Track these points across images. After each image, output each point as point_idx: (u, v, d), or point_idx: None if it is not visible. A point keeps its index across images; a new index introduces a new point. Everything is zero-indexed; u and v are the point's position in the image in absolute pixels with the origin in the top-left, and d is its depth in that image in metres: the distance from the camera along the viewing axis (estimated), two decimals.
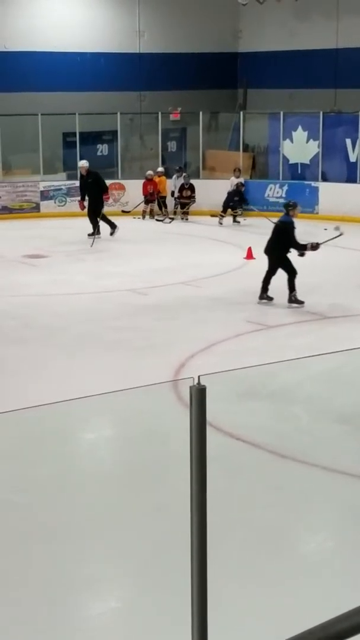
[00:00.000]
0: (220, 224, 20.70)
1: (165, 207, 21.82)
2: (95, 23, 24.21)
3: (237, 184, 21.30)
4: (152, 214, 21.68)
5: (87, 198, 18.92)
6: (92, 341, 10.91)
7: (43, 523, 6.04)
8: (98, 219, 18.56)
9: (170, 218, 21.49)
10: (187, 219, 21.36)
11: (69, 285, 14.28)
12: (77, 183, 22.21)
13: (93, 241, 18.12)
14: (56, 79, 23.10)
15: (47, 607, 5.03)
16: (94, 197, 18.68)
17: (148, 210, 21.70)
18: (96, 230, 18.50)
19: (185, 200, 21.56)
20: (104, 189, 18.87)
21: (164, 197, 21.90)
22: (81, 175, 19.32)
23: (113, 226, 18.71)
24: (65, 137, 23.22)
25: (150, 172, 21.79)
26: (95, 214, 18.64)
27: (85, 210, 19.01)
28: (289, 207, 13.07)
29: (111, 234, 18.65)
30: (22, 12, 23.20)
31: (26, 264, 16.21)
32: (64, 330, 11.47)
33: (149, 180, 21.60)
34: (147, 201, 21.68)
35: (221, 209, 21.07)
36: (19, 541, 5.80)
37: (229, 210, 21.04)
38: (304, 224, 20.30)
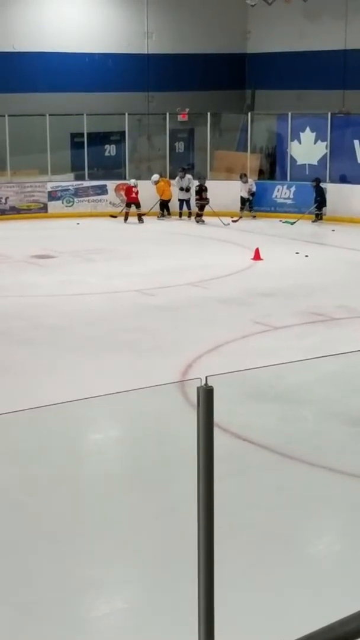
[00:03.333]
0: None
1: (168, 209, 21.85)
2: (104, 24, 24.23)
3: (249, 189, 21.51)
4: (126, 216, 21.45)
5: None
6: (100, 342, 10.92)
7: (50, 523, 6.05)
8: None
9: (163, 217, 21.69)
10: (203, 221, 21.15)
11: (76, 285, 14.29)
12: (85, 183, 22.29)
13: None
14: (64, 80, 23.12)
15: (53, 607, 5.04)
16: None
17: (128, 212, 21.48)
18: None
19: (204, 201, 21.25)
20: None
21: (167, 201, 21.87)
22: None
23: None
24: (73, 137, 23.24)
25: (133, 180, 21.58)
26: None
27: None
28: None
29: None
30: (30, 12, 23.23)
31: (34, 265, 16.23)
32: (71, 331, 11.48)
33: (133, 186, 21.34)
34: (129, 204, 21.48)
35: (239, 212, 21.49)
36: (26, 541, 5.81)
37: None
38: (312, 224, 20.43)
